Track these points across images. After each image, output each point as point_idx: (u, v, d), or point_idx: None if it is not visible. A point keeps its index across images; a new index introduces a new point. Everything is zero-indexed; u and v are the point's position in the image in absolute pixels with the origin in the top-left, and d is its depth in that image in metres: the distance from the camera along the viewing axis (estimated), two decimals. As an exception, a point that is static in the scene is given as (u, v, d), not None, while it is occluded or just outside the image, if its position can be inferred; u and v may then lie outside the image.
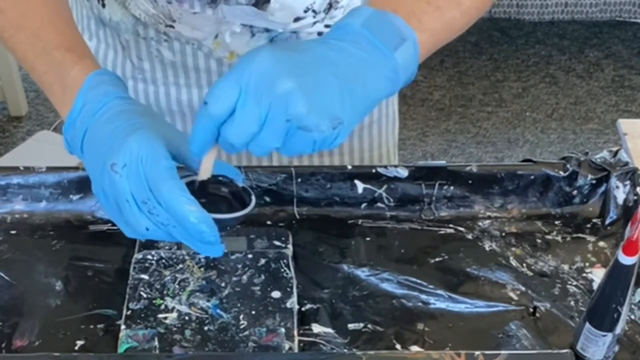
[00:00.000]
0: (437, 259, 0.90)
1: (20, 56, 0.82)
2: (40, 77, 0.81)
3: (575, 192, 0.94)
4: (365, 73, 0.72)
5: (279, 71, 0.68)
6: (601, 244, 0.92)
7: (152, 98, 1.03)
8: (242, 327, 0.80)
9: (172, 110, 1.03)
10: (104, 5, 0.97)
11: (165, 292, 0.83)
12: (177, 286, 0.83)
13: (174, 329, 0.79)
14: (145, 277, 0.84)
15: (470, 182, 0.95)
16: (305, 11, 0.94)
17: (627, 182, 0.93)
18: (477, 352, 0.76)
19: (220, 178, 0.76)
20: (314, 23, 0.95)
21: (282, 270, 0.85)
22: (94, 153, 0.74)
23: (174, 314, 0.81)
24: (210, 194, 0.75)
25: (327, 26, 0.96)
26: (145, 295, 0.82)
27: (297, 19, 0.94)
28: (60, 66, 0.79)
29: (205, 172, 0.74)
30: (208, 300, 0.82)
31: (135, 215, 0.71)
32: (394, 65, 0.73)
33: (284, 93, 0.67)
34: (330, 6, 0.95)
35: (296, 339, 0.79)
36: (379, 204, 0.95)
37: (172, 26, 0.94)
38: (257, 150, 0.70)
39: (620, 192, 0.93)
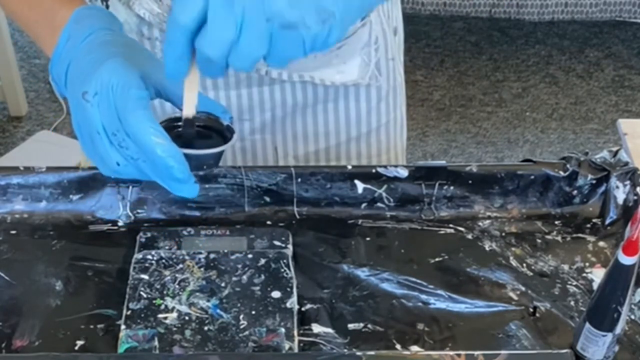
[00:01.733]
0: (437, 259, 0.90)
1: (16, 11, 0.79)
2: (33, 27, 0.78)
3: (575, 192, 0.94)
4: None
5: None
6: (601, 244, 0.92)
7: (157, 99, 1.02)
8: (242, 327, 0.80)
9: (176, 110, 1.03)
10: (107, 6, 0.97)
11: (165, 292, 0.83)
12: (177, 286, 0.83)
13: (174, 329, 0.79)
14: (145, 277, 0.84)
15: (470, 182, 0.95)
16: None
17: (627, 182, 0.93)
18: (477, 352, 0.76)
19: (205, 115, 0.71)
20: None
21: (282, 270, 0.85)
22: (73, 85, 0.70)
23: (174, 314, 0.81)
24: (193, 132, 0.70)
25: None
26: (145, 295, 0.82)
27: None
28: (50, 11, 0.76)
29: (189, 107, 0.68)
30: (208, 300, 0.82)
31: (106, 148, 0.67)
32: None
33: None
34: None
35: (296, 339, 0.79)
36: (379, 204, 0.95)
37: None
38: (239, 62, 0.62)
39: (620, 192, 0.93)
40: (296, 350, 0.78)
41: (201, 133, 0.72)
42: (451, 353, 0.77)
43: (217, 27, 0.61)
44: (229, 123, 0.73)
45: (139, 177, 0.69)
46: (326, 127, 1.04)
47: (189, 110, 0.68)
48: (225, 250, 0.87)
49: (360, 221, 0.94)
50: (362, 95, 1.04)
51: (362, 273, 0.88)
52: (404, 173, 0.94)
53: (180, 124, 0.70)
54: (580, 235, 0.93)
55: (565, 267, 0.89)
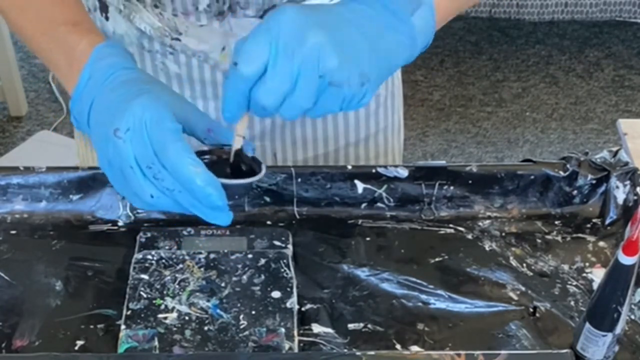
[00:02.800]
0: (437, 259, 0.90)
1: (28, 35, 0.81)
2: (47, 54, 0.80)
3: (575, 192, 0.94)
4: (386, 36, 0.71)
5: (309, 25, 0.66)
6: (601, 244, 0.92)
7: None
8: (242, 327, 0.80)
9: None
10: (107, 19, 0.96)
11: (165, 292, 0.83)
12: (177, 286, 0.83)
13: (174, 329, 0.79)
14: (145, 277, 0.84)
15: (470, 182, 0.95)
16: None
17: (627, 182, 0.93)
18: (477, 352, 0.77)
19: (228, 148, 0.75)
20: None
21: (282, 270, 0.85)
22: (99, 123, 0.72)
23: (174, 314, 0.81)
24: (219, 163, 0.74)
25: None
26: (145, 295, 0.82)
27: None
28: (67, 41, 0.78)
29: (239, 140, 0.72)
30: (208, 300, 0.82)
31: (140, 182, 0.69)
32: (411, 29, 0.72)
33: (315, 46, 0.66)
34: None
35: (296, 339, 0.79)
36: (379, 204, 0.95)
37: (178, 39, 0.93)
38: (288, 112, 0.68)
39: (620, 192, 0.93)
40: (296, 350, 0.78)
41: (229, 166, 0.76)
42: (451, 353, 0.77)
43: (275, 80, 0.66)
44: (253, 154, 0.76)
45: (173, 208, 0.71)
46: (325, 133, 1.04)
47: (238, 142, 0.73)
48: (225, 250, 0.87)
49: (360, 221, 0.94)
50: None
51: (362, 273, 0.88)
52: (404, 173, 0.94)
53: (207, 157, 0.75)
54: (580, 235, 0.93)
55: (565, 267, 0.89)
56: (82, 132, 0.77)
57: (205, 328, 0.80)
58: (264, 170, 0.74)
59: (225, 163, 0.75)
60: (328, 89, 0.67)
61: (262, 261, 0.86)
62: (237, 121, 0.71)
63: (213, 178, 0.68)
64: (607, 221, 0.94)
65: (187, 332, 0.79)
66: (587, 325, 0.77)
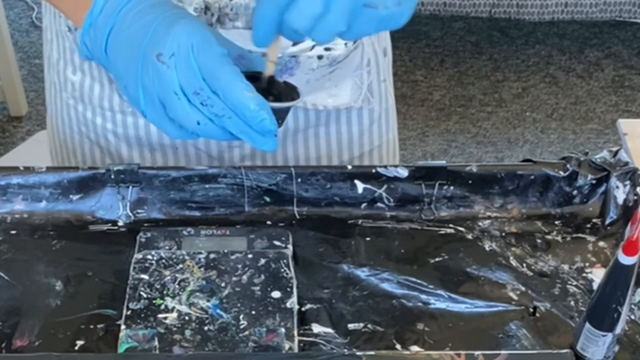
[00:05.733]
0: (437, 259, 0.90)
1: None
2: None
3: (575, 192, 0.94)
4: None
5: None
6: (601, 244, 0.92)
7: (143, 131, 0.99)
8: (242, 327, 0.80)
9: (163, 144, 1.00)
10: None
11: (165, 292, 0.83)
12: (177, 286, 0.83)
13: (174, 329, 0.79)
14: (145, 277, 0.84)
15: (470, 182, 0.95)
16: None
17: (627, 182, 0.93)
18: (477, 352, 0.76)
19: (261, 74, 0.74)
20: (313, 47, 0.93)
21: (282, 270, 0.85)
22: (126, 48, 0.70)
23: (174, 314, 0.81)
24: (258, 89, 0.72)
25: (326, 49, 0.94)
26: (145, 295, 0.82)
27: (295, 43, 0.91)
28: None
29: (271, 67, 0.71)
30: (208, 300, 0.82)
31: (185, 109, 0.67)
32: None
33: None
34: None
35: (296, 339, 0.79)
36: (379, 204, 0.95)
37: None
38: (321, 35, 0.67)
39: (620, 192, 0.93)
40: (296, 350, 0.78)
41: (266, 91, 0.74)
42: (451, 353, 0.77)
43: (308, 1, 0.64)
44: (285, 80, 0.75)
45: (219, 136, 0.69)
46: (317, 151, 1.03)
47: (271, 68, 0.72)
48: (225, 250, 0.87)
49: (360, 221, 0.94)
50: (353, 118, 1.03)
51: (362, 273, 0.88)
52: (404, 173, 0.94)
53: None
54: (580, 235, 0.93)
55: (565, 267, 0.89)
56: (95, 61, 0.74)
57: (205, 328, 0.80)
58: (301, 93, 0.74)
59: (259, 90, 0.73)
60: (363, 11, 0.66)
61: (262, 261, 0.86)
62: (268, 46, 0.69)
63: (265, 102, 0.67)
64: (607, 221, 0.94)
65: (187, 332, 0.79)
66: (587, 325, 0.77)
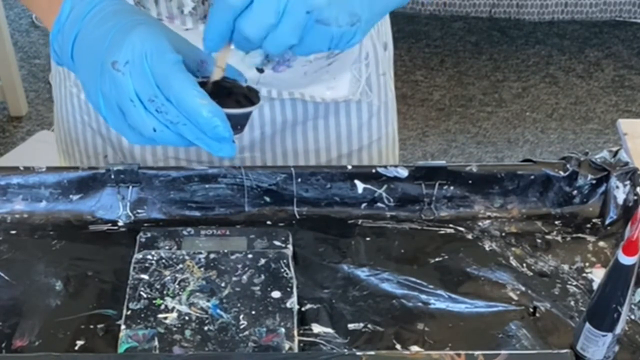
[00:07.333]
0: (437, 259, 0.90)
1: None
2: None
3: (575, 192, 0.94)
4: None
5: None
6: (601, 244, 0.92)
7: None
8: (242, 327, 0.80)
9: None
10: None
11: (165, 292, 0.83)
12: (177, 286, 0.83)
13: (174, 329, 0.79)
14: (145, 277, 0.84)
15: (470, 182, 0.95)
16: None
17: (627, 182, 0.93)
18: (477, 352, 0.77)
19: (224, 79, 0.74)
20: None
21: (282, 270, 0.85)
22: (88, 55, 0.70)
23: (174, 314, 0.81)
24: (216, 94, 0.72)
25: None
26: (145, 295, 0.82)
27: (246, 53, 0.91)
28: None
29: (218, 72, 0.71)
30: (208, 300, 0.82)
31: (142, 116, 0.67)
32: None
33: None
34: None
35: (296, 339, 0.79)
36: (379, 204, 0.95)
37: None
38: (272, 46, 0.67)
39: (620, 192, 0.93)
40: (296, 350, 0.78)
41: (226, 96, 0.74)
42: (451, 353, 0.77)
43: (261, 11, 0.65)
44: (247, 84, 0.75)
45: (176, 142, 0.69)
46: (316, 144, 1.03)
47: (218, 73, 0.72)
48: (225, 250, 0.87)
49: (360, 221, 0.94)
50: (352, 111, 1.03)
51: (362, 273, 0.88)
52: (404, 173, 0.94)
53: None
54: (580, 235, 0.93)
55: (565, 267, 0.89)
56: (64, 66, 0.74)
57: (205, 328, 0.80)
58: (261, 99, 0.74)
59: (218, 95, 0.73)
60: (315, 27, 0.66)
61: (262, 261, 0.86)
62: (218, 51, 0.70)
63: (219, 109, 0.67)
64: (607, 221, 0.94)
65: (187, 332, 0.79)
66: (587, 325, 0.77)
